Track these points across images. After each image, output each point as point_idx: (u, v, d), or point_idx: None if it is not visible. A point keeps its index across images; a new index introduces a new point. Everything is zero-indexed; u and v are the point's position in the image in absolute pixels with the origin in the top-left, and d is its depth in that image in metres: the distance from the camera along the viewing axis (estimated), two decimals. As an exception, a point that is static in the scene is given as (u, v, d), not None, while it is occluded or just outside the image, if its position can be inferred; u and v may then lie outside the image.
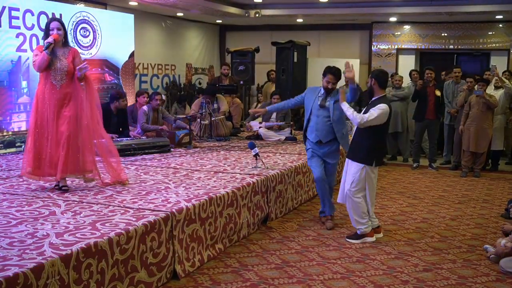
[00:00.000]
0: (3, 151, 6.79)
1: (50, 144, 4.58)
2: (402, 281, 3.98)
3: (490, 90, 8.55)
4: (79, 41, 7.87)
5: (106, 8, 9.50)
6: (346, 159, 4.99)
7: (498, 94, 8.45)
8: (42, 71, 4.59)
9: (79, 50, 7.84)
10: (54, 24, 4.62)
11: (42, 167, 4.60)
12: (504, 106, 8.59)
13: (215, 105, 8.78)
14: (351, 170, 4.86)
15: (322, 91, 5.30)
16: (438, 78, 9.53)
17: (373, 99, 4.85)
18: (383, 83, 4.87)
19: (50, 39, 4.52)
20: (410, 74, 9.95)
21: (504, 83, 8.47)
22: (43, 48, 4.53)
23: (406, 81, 10.18)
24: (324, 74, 5.27)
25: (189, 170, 5.76)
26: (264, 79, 12.11)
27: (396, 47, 12.38)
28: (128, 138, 7.19)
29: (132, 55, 9.16)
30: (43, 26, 7.24)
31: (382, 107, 4.70)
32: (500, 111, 8.56)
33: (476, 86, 8.31)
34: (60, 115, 4.59)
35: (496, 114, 8.41)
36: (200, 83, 12.82)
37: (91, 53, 8.24)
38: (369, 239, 4.90)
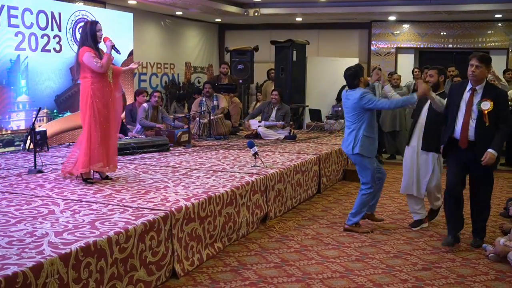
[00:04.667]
0: (2, 150, 6.79)
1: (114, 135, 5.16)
2: (401, 280, 3.98)
3: None
4: (78, 40, 7.85)
5: (105, 7, 9.49)
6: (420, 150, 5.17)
7: None
8: (105, 71, 4.98)
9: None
10: (100, 26, 5.07)
11: (108, 159, 5.05)
12: None
13: (215, 102, 8.78)
14: (428, 161, 5.12)
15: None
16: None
17: (438, 93, 5.06)
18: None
19: (112, 42, 5.05)
20: (412, 71, 9.97)
21: (501, 81, 8.47)
22: (109, 50, 5.02)
23: (405, 80, 10.18)
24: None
25: (188, 169, 5.76)
26: (263, 78, 12.11)
27: (395, 46, 12.39)
28: (127, 137, 7.19)
29: (131, 54, 9.14)
30: (41, 25, 7.27)
31: None
32: None
33: None
34: (112, 108, 5.08)
35: None
36: (199, 82, 12.82)
37: (90, 52, 8.22)
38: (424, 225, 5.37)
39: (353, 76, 5.14)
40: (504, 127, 4.43)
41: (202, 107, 8.61)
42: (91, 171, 5.02)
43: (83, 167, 4.93)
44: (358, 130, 5.04)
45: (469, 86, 4.56)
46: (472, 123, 4.47)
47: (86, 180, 5.00)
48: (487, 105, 4.41)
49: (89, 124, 4.92)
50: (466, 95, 4.56)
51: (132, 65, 5.62)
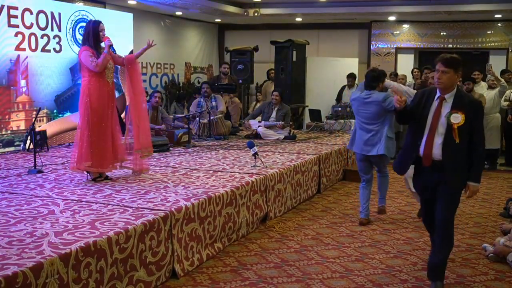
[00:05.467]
0: (2, 150, 6.78)
1: (113, 135, 5.11)
2: (401, 280, 3.98)
3: (483, 90, 8.60)
4: (78, 40, 7.85)
5: (105, 7, 9.49)
6: None
7: (492, 93, 8.49)
8: (101, 70, 4.97)
9: (77, 49, 7.89)
10: (103, 26, 5.08)
11: (107, 158, 5.03)
12: (499, 104, 8.62)
13: (213, 103, 8.78)
14: None
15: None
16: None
17: None
18: None
19: (111, 42, 5.03)
20: (412, 72, 9.99)
21: (500, 81, 8.50)
22: (106, 50, 4.96)
23: (408, 80, 10.19)
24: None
25: (188, 169, 5.76)
26: (263, 78, 12.11)
27: (395, 46, 12.39)
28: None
29: (130, 54, 9.15)
30: (41, 25, 7.27)
31: None
32: (496, 110, 8.60)
33: None
34: (111, 109, 5.09)
35: (492, 113, 8.45)
36: (199, 82, 12.81)
37: (90, 52, 8.22)
38: None
39: (376, 78, 5.29)
40: (480, 148, 3.68)
41: (201, 108, 8.60)
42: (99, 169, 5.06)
43: (72, 166, 5.05)
44: (382, 132, 5.25)
45: (437, 94, 3.75)
46: (439, 139, 3.67)
47: (95, 179, 5.05)
48: (457, 119, 3.60)
49: (82, 123, 4.98)
50: (434, 105, 3.74)
51: (145, 46, 5.40)
